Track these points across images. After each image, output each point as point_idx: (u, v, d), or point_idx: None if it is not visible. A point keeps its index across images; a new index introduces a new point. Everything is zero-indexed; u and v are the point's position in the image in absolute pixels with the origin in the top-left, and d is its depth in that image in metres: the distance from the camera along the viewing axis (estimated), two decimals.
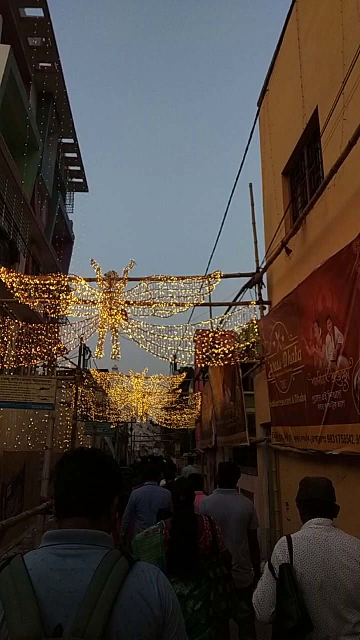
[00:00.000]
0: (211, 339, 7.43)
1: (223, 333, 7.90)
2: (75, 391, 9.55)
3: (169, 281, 7.53)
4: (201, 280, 7.62)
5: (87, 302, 7.40)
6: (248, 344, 7.40)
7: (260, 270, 7.57)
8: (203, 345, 7.93)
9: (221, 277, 7.66)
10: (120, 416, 21.47)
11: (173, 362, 18.77)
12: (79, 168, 22.36)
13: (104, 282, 7.47)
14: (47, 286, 7.36)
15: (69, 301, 7.31)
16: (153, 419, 23.27)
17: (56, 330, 7.33)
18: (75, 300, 7.31)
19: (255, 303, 7.62)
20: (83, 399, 16.72)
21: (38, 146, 15.37)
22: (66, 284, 7.40)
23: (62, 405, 16.03)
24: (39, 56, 15.81)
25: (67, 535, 1.33)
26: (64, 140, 20.27)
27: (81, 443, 17.28)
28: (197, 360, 7.84)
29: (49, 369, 14.22)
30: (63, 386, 16.14)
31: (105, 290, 7.42)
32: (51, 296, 7.30)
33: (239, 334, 7.71)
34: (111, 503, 1.46)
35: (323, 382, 4.85)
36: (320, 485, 2.58)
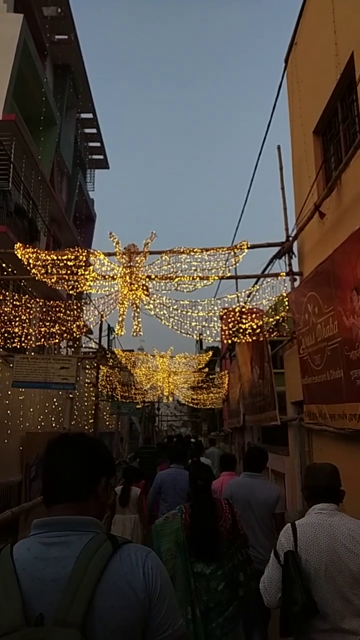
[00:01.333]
0: (238, 313, 7.00)
1: (250, 308, 7.46)
2: (98, 371, 9.30)
3: (192, 253, 7.10)
4: (226, 252, 7.17)
5: (107, 277, 7.05)
6: (277, 317, 6.94)
7: (290, 238, 7.05)
8: (229, 320, 7.52)
9: (248, 248, 7.19)
10: (146, 396, 21.34)
11: (198, 339, 18.42)
12: (98, 144, 21.87)
13: (124, 256, 7.09)
14: (65, 262, 7.02)
15: (88, 277, 6.96)
16: (179, 398, 23.07)
17: (75, 307, 7.01)
18: (94, 275, 6.96)
19: (285, 274, 7.13)
20: (108, 378, 16.57)
21: (55, 120, 14.96)
22: (84, 259, 7.04)
23: (87, 385, 15.92)
24: (54, 26, 15.30)
25: (51, 522, 1.33)
26: (83, 115, 19.80)
27: (107, 423, 17.21)
28: (223, 337, 7.44)
29: (73, 349, 14.02)
30: (87, 366, 16.00)
31: (125, 265, 7.05)
32: (69, 272, 6.97)
33: (268, 308, 7.25)
34: (97, 485, 1.44)
35: None
36: (325, 471, 2.61)
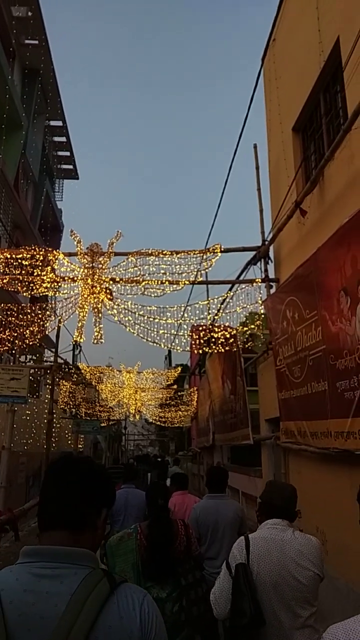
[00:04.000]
0: (210, 320, 6.42)
1: (221, 325, 6.90)
2: (53, 384, 8.50)
3: (161, 256, 6.52)
4: (198, 255, 6.62)
5: (66, 278, 6.37)
6: (252, 327, 6.40)
7: (267, 242, 6.56)
8: (200, 329, 6.94)
9: (221, 251, 6.67)
10: (112, 414, 20.45)
11: (167, 355, 17.82)
12: (68, 153, 21.27)
13: (85, 256, 6.45)
14: (20, 261, 6.32)
15: (45, 278, 6.27)
16: (147, 416, 22.26)
17: (30, 310, 6.30)
18: (51, 276, 6.28)
19: (260, 280, 6.62)
20: (71, 395, 15.71)
21: (21, 123, 14.32)
22: (41, 258, 6.36)
23: (47, 401, 15.03)
24: (23, 28, 14.74)
25: (44, 552, 1.22)
26: (52, 122, 19.20)
27: (69, 442, 16.27)
28: (194, 346, 6.83)
29: (32, 361, 13.12)
30: (49, 381, 15.12)
31: (87, 266, 6.40)
32: (24, 272, 6.27)
33: (243, 317, 6.70)
34: (97, 517, 1.33)
35: (352, 364, 3.86)
36: (284, 492, 2.67)
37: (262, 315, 6.58)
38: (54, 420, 15.42)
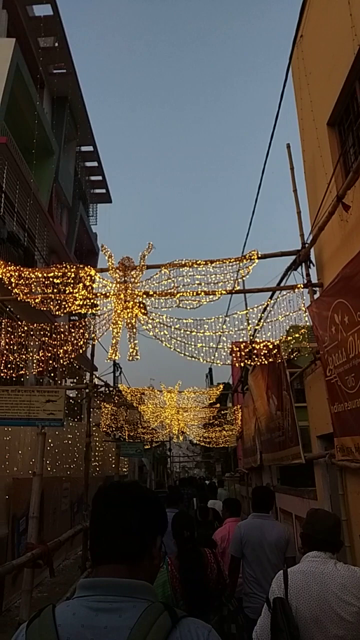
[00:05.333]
0: (250, 330, 6.03)
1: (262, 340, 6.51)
2: (89, 405, 8.26)
3: (195, 266, 6.21)
4: (234, 263, 6.27)
5: (99, 294, 6.15)
6: (297, 335, 5.96)
7: (307, 244, 6.15)
8: (241, 343, 6.55)
9: (258, 258, 6.29)
10: (156, 435, 20.11)
11: (208, 373, 17.41)
12: (100, 177, 21.54)
13: (117, 271, 6.22)
14: (51, 279, 6.16)
15: (77, 295, 6.07)
16: (190, 437, 21.78)
17: (62, 329, 6.10)
18: (83, 293, 6.07)
19: (302, 286, 6.19)
20: (113, 417, 15.50)
21: (52, 150, 14.54)
22: (73, 275, 6.18)
23: (93, 427, 14.88)
24: (50, 58, 15.11)
25: (101, 584, 1.17)
26: (83, 148, 19.51)
27: (113, 466, 15.99)
28: (235, 360, 6.44)
29: (71, 383, 12.98)
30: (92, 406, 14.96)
31: (119, 280, 6.16)
32: (55, 290, 6.10)
33: (286, 325, 6.28)
34: (153, 545, 1.27)
35: None
36: (327, 523, 2.55)
37: (307, 324, 6.14)
38: (97, 443, 15.23)
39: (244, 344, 6.70)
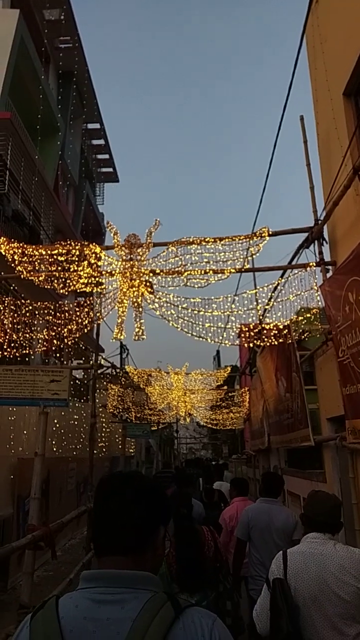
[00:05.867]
0: (260, 310, 5.85)
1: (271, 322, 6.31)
2: (94, 385, 8.13)
3: (204, 243, 6.01)
4: (244, 241, 6.06)
5: (104, 273, 5.98)
6: (308, 315, 5.77)
7: (320, 221, 5.92)
8: (250, 325, 6.37)
9: (269, 235, 6.08)
10: (162, 417, 20.10)
11: (216, 355, 17.29)
12: (107, 156, 21.20)
13: (123, 248, 6.03)
14: (55, 257, 5.99)
15: (81, 273, 5.91)
16: (197, 419, 21.77)
17: (66, 308, 5.95)
18: (88, 271, 5.90)
19: (314, 264, 5.99)
20: (120, 398, 15.46)
21: (58, 126, 14.23)
22: (77, 253, 6.00)
23: (100, 408, 14.85)
24: (56, 31, 14.68)
25: (104, 576, 1.16)
26: (89, 126, 19.14)
27: (120, 447, 16.01)
28: (243, 339, 6.27)
29: (67, 361, 12.85)
30: (97, 386, 14.90)
31: (125, 258, 5.99)
32: (59, 268, 5.93)
33: (297, 305, 6.08)
34: (157, 536, 1.25)
35: None
36: (326, 505, 2.56)
37: (318, 304, 5.94)
38: (104, 424, 15.23)
39: (252, 324, 6.53)
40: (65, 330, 5.67)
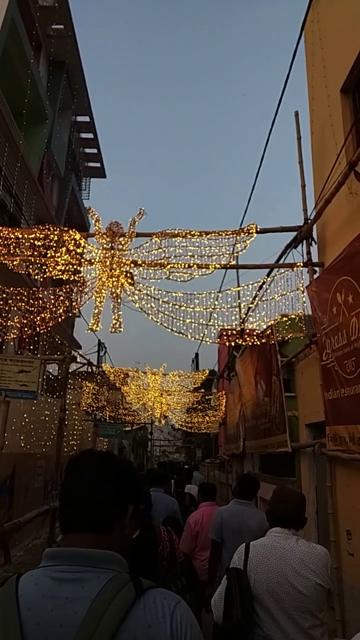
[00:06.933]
0: (244, 308, 5.64)
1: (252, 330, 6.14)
2: (66, 377, 7.77)
3: (189, 236, 5.78)
4: (231, 236, 5.85)
5: (83, 260, 5.69)
6: (293, 316, 5.58)
7: (310, 220, 5.74)
8: (230, 329, 6.15)
9: (257, 232, 5.87)
10: (137, 417, 19.78)
11: (194, 357, 17.09)
12: (95, 150, 20.85)
13: (104, 236, 5.76)
14: (32, 241, 5.69)
15: (59, 260, 5.61)
16: (172, 421, 21.51)
17: (40, 295, 5.64)
18: (66, 258, 5.61)
19: (301, 264, 5.80)
20: (94, 397, 15.12)
21: (45, 114, 13.86)
22: (56, 238, 5.71)
23: (73, 405, 14.49)
24: (49, 16, 14.32)
25: (66, 554, 1.12)
26: (79, 118, 18.78)
27: (91, 446, 15.64)
28: (224, 338, 6.05)
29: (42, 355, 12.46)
30: (70, 385, 14.55)
31: (106, 247, 5.71)
32: (36, 253, 5.62)
33: (282, 306, 5.89)
34: (124, 514, 1.23)
35: None
36: (292, 502, 2.59)
37: (304, 304, 5.76)
38: (76, 422, 14.84)
39: (233, 330, 6.33)
40: (38, 318, 5.37)
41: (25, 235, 5.73)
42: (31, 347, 11.42)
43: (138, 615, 1.03)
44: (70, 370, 10.66)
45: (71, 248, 5.66)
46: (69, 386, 14.75)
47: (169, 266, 5.70)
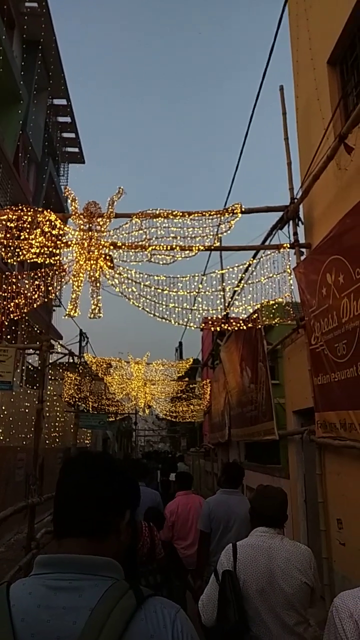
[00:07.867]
0: (229, 292, 5.40)
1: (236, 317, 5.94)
2: (44, 365, 7.48)
3: (171, 217, 5.51)
4: (215, 217, 5.59)
5: (58, 243, 5.38)
6: (280, 300, 5.37)
7: (297, 199, 5.51)
8: (212, 319, 5.93)
9: (242, 212, 5.63)
10: (121, 408, 19.53)
11: (177, 349, 16.86)
12: (73, 135, 20.28)
13: (81, 217, 5.45)
14: (4, 222, 5.35)
15: (33, 242, 5.29)
16: (157, 411, 21.31)
17: (14, 279, 5.32)
18: (40, 240, 5.29)
19: (288, 246, 5.58)
20: (77, 387, 14.81)
21: (20, 94, 13.33)
22: (30, 219, 5.39)
23: (54, 397, 14.18)
24: None
25: (61, 561, 1.07)
26: (55, 101, 18.20)
27: (78, 439, 15.36)
28: (209, 323, 5.82)
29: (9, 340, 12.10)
30: (50, 375, 14.23)
31: (83, 228, 5.41)
32: (9, 235, 5.30)
33: (268, 289, 5.67)
34: (121, 520, 1.19)
35: None
36: (275, 501, 2.61)
37: (291, 288, 5.55)
38: (58, 414, 14.54)
39: (216, 317, 6.13)
40: (12, 304, 5.06)
41: None
42: (8, 337, 11.05)
43: (140, 625, 1.00)
44: (50, 361, 10.34)
45: (46, 230, 5.35)
46: (50, 377, 14.44)
47: (150, 248, 5.43)
